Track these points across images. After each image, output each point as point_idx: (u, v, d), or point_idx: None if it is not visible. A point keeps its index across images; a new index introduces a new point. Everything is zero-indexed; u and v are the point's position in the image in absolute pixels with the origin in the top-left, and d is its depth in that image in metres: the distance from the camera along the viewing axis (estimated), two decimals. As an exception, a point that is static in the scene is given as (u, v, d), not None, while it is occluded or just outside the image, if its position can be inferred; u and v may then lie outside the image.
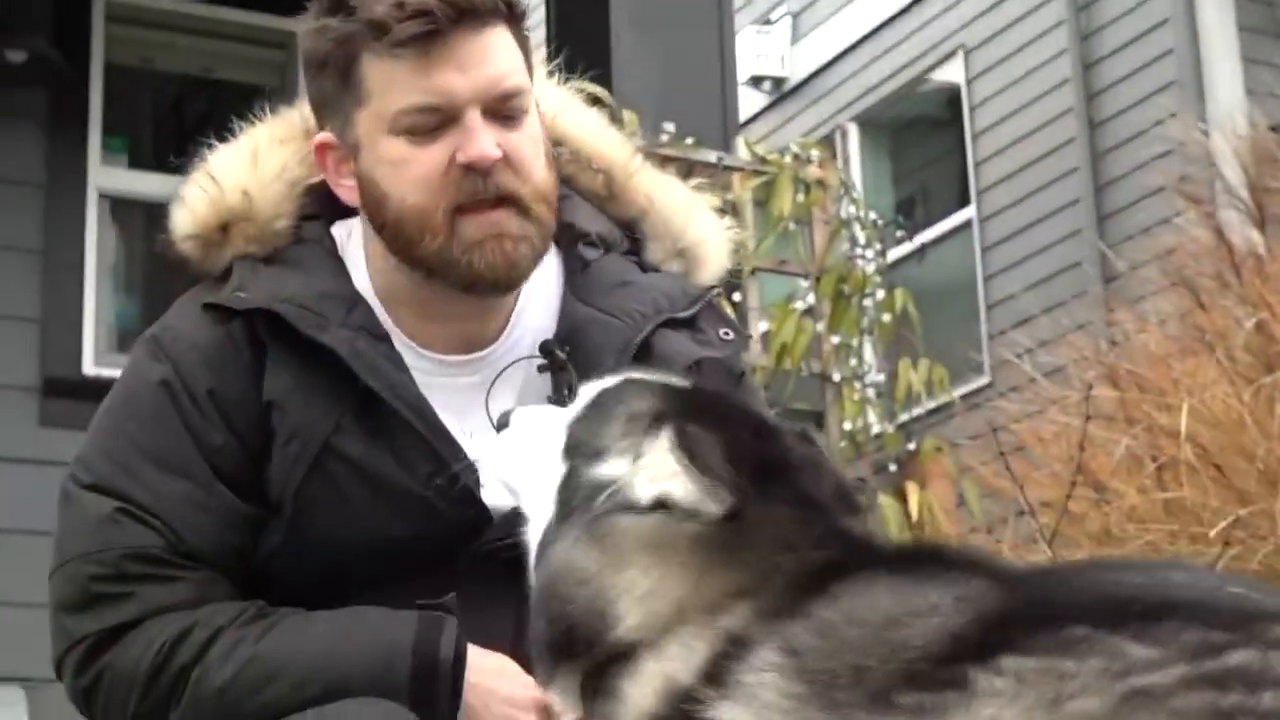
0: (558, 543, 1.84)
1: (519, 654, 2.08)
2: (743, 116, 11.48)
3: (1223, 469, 4.72)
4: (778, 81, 11.67)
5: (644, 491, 1.78)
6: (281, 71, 7.76)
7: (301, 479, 2.20)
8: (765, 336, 5.37)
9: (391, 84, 2.20)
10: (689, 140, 5.37)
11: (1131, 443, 5.11)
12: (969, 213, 10.23)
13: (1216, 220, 5.49)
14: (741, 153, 5.49)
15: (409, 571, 2.17)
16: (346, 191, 2.30)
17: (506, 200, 2.20)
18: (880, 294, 5.50)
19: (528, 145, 2.23)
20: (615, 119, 5.26)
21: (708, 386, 2.24)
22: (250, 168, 2.35)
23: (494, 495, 2.18)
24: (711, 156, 5.39)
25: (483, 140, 2.16)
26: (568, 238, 2.40)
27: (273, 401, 2.22)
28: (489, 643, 2.12)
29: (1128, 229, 8.60)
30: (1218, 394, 4.82)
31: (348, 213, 2.36)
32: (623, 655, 1.76)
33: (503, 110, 2.20)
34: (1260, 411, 4.76)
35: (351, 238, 2.37)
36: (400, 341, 2.29)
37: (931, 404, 5.89)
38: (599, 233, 2.43)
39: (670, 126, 5.36)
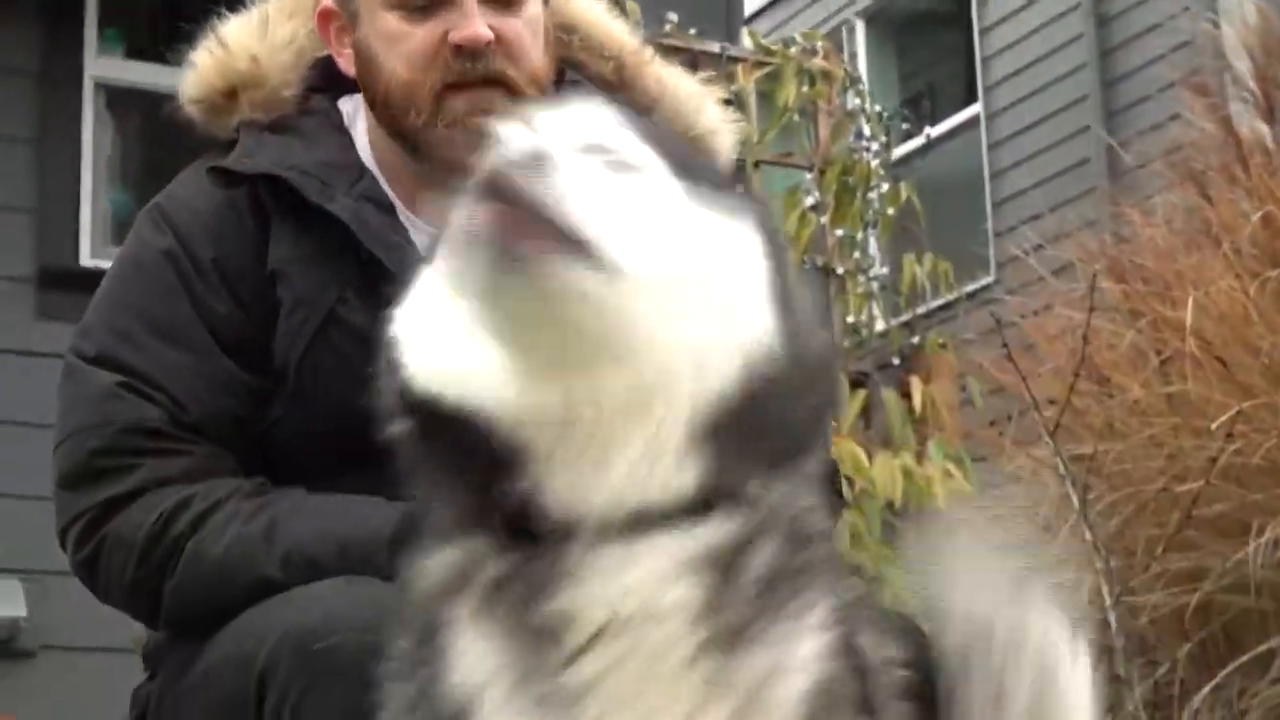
0: None
1: None
2: (748, 11, 11.52)
3: (1227, 363, 4.72)
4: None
5: None
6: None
7: (305, 348, 2.22)
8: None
9: None
10: (692, 31, 5.37)
11: (1136, 337, 5.10)
12: (976, 109, 10.23)
13: (1225, 113, 5.48)
14: (746, 44, 5.50)
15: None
16: (345, 61, 2.33)
17: (495, 82, 2.23)
18: (884, 187, 5.50)
19: (523, 29, 2.25)
20: (618, 6, 5.30)
21: None
22: (260, 35, 2.36)
23: None
24: (715, 47, 5.40)
25: (475, 22, 2.19)
26: None
27: (277, 270, 2.24)
28: None
29: (1136, 124, 8.55)
30: (1223, 288, 4.82)
31: (355, 89, 2.36)
32: None
33: None
34: (1265, 305, 4.76)
35: (359, 112, 2.38)
36: (403, 215, 2.31)
37: (937, 301, 5.89)
38: None
39: (673, 17, 5.36)
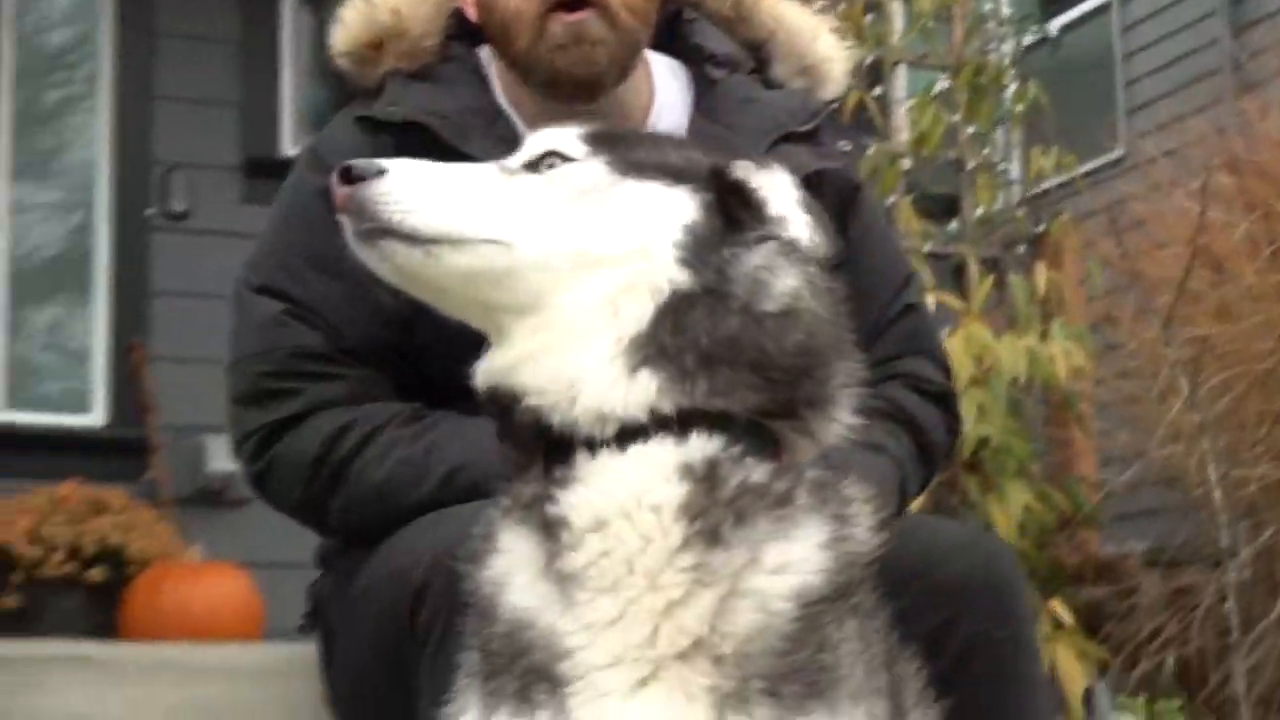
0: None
1: None
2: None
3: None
4: None
5: (800, 232, 1.74)
6: None
7: None
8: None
9: None
10: (834, -59, 5.42)
11: (1250, 227, 5.17)
12: None
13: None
14: (885, -50, 5.53)
15: None
16: (470, 6, 2.34)
17: (593, 5, 2.20)
18: (1013, 86, 5.54)
19: None
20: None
21: (827, 201, 2.16)
22: None
23: None
24: (856, -44, 5.42)
25: None
26: (696, 59, 2.41)
27: None
28: None
29: (1267, 8, 8.46)
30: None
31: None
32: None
33: None
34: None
35: (494, 57, 2.36)
36: None
37: (1060, 178, 5.85)
38: (726, 54, 2.42)
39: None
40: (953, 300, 5.19)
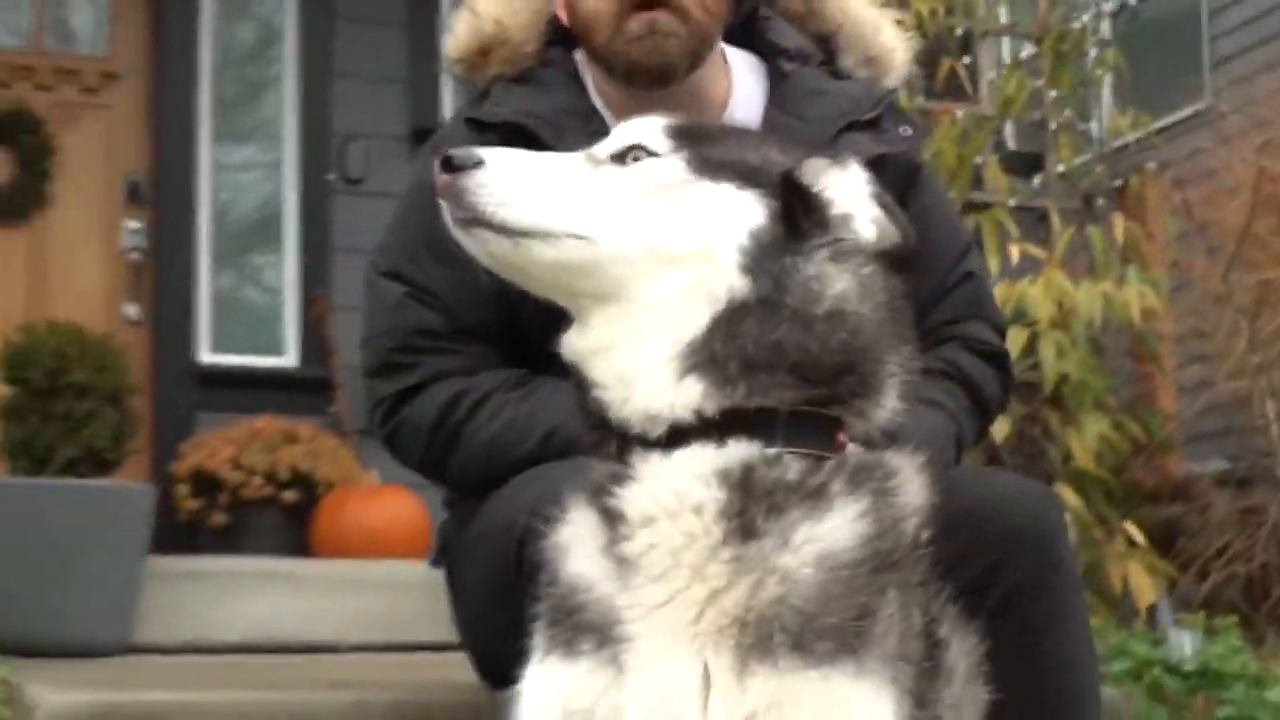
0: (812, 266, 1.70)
1: None
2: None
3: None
4: None
5: (865, 229, 1.72)
6: None
7: None
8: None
9: None
10: (929, -77, 5.26)
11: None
12: None
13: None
14: (977, -68, 5.37)
15: None
16: (561, 10, 2.33)
17: (665, 4, 2.19)
18: (1094, 53, 5.38)
19: None
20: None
21: (890, 182, 2.15)
22: (505, 2, 2.38)
23: None
24: (950, -66, 5.30)
25: None
26: (771, 53, 2.40)
27: None
28: None
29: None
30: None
31: None
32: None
33: None
34: None
35: (587, 60, 2.37)
36: None
37: (1139, 134, 5.74)
38: (797, 48, 2.40)
39: (913, -87, 5.25)
40: (1036, 250, 5.08)
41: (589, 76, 2.36)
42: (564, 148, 2.11)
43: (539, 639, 1.71)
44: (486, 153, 1.66)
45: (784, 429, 1.61)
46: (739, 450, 1.60)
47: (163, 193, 6.80)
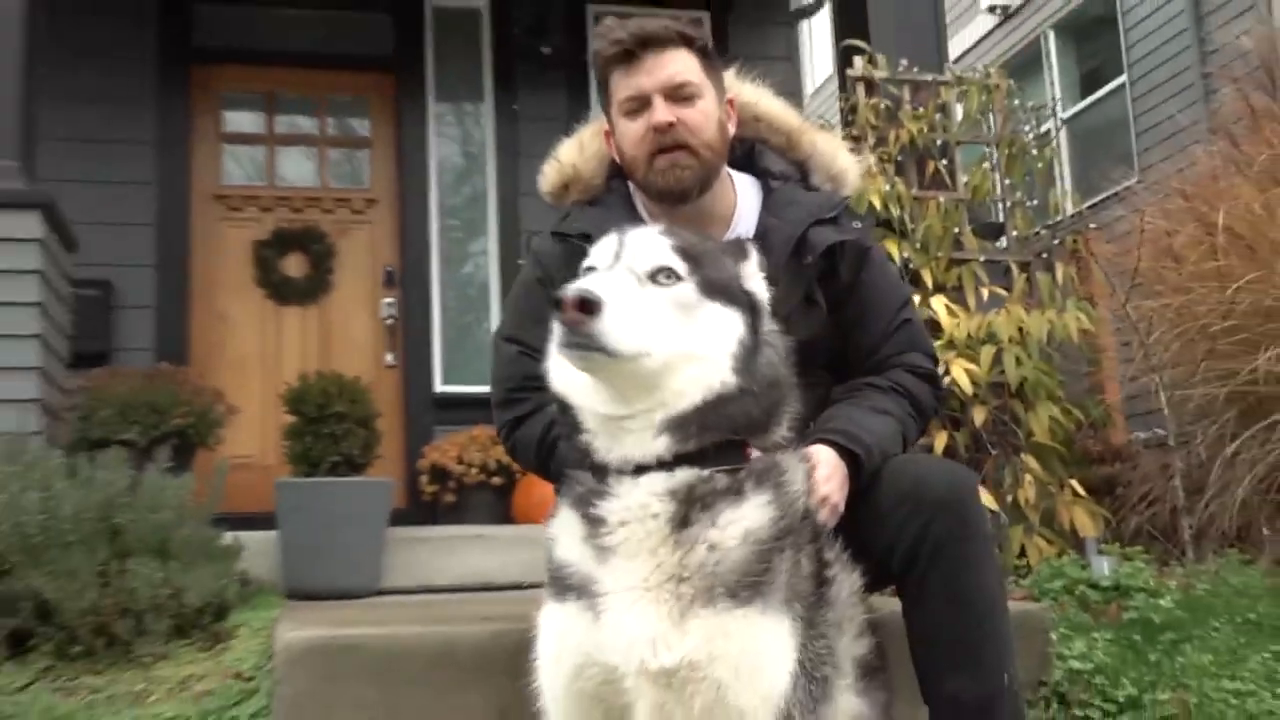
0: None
1: None
2: (981, 32, 11.00)
3: (1251, 247, 4.57)
4: (1005, 7, 11.03)
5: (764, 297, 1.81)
6: None
7: None
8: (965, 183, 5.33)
9: (618, 88, 2.24)
10: (915, 69, 5.36)
11: (1192, 231, 4.95)
12: (1122, 79, 9.54)
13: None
14: (948, 74, 5.43)
15: None
16: (615, 153, 2.32)
17: (680, 146, 2.19)
18: (1035, 151, 5.38)
19: (697, 114, 2.20)
20: (873, 61, 5.36)
21: (847, 260, 2.29)
22: (577, 150, 2.41)
23: None
24: (929, 77, 5.36)
25: (660, 113, 2.18)
26: (763, 175, 2.38)
27: None
28: None
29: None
30: (1243, 201, 4.63)
31: None
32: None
33: (678, 95, 2.19)
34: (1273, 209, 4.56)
35: (636, 191, 2.34)
36: None
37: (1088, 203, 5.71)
38: (781, 170, 2.39)
39: (904, 61, 5.37)
40: (1001, 290, 5.06)
41: (638, 198, 2.34)
42: None
43: (545, 592, 1.80)
44: (604, 295, 1.62)
45: (712, 456, 1.71)
46: (684, 475, 1.69)
47: (407, 277, 6.96)
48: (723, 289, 1.74)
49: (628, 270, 1.71)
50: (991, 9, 10.95)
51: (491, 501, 6.02)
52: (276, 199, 6.99)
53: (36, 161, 4.64)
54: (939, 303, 4.99)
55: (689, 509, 1.70)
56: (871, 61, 5.33)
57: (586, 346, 1.62)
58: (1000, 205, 5.33)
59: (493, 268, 7.03)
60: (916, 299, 4.94)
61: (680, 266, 1.71)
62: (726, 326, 1.73)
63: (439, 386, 6.80)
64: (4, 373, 4.03)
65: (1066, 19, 10.37)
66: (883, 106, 5.24)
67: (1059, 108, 8.36)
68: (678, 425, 1.69)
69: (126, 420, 4.23)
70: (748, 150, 2.42)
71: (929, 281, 5.07)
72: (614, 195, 2.35)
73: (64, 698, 2.57)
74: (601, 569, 1.70)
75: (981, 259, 5.15)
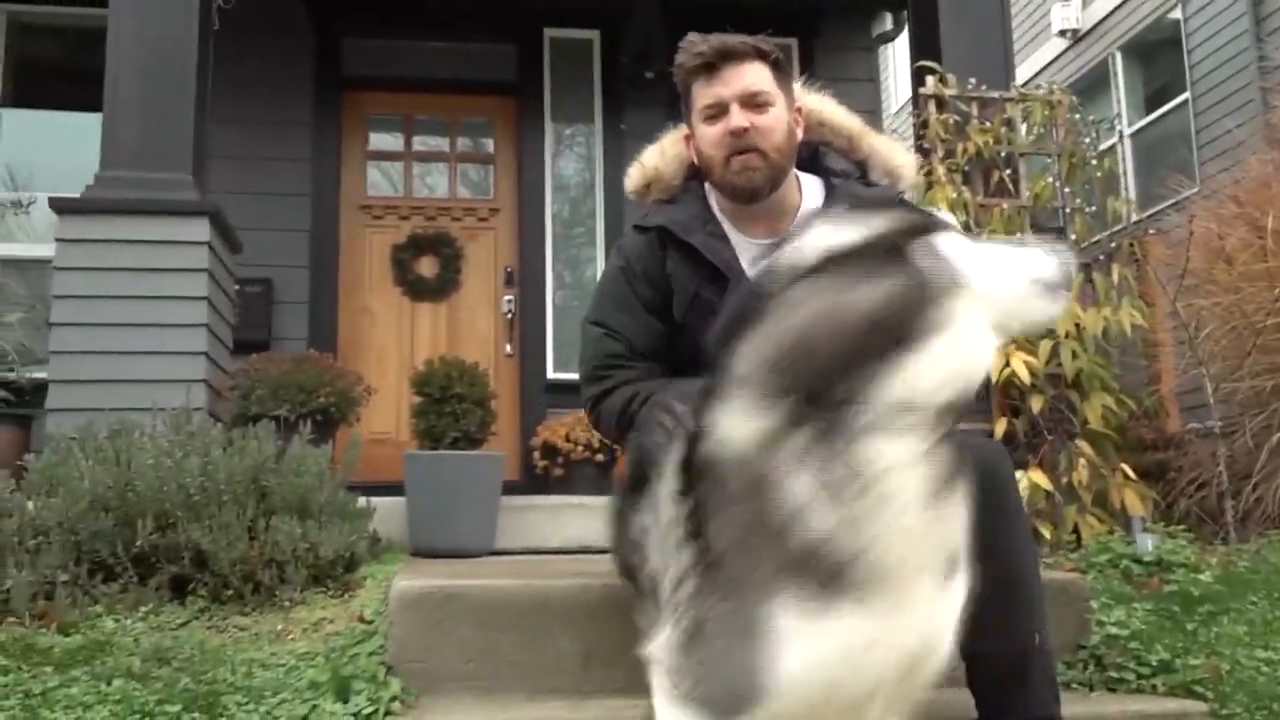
0: None
1: None
2: (1053, 54, 10.69)
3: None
4: (1075, 31, 10.68)
5: None
6: None
7: (684, 310, 2.23)
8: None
9: (699, 96, 2.24)
10: (984, 86, 5.26)
11: (1244, 234, 4.76)
12: (1185, 95, 9.20)
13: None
14: (1013, 91, 5.31)
15: None
16: (694, 155, 2.32)
17: (753, 150, 2.20)
18: (1094, 162, 5.22)
19: (769, 120, 2.21)
20: (944, 80, 5.26)
21: None
22: (659, 154, 2.41)
23: None
24: (995, 94, 5.26)
25: (736, 119, 2.19)
26: (826, 174, 2.36)
27: (670, 273, 2.24)
28: None
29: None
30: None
31: None
32: None
33: (753, 103, 2.20)
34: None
35: (711, 192, 2.34)
36: (736, 236, 2.26)
37: (1135, 220, 5.53)
38: (842, 169, 2.38)
39: (973, 80, 5.27)
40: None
41: (712, 196, 2.33)
42: (692, 240, 2.22)
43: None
44: None
45: None
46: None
47: (525, 277, 7.04)
48: None
49: None
50: (1062, 32, 10.64)
51: (594, 475, 6.05)
52: (413, 208, 7.13)
53: (209, 176, 4.83)
54: (1001, 301, 4.90)
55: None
56: (942, 80, 5.24)
57: None
58: (1061, 212, 5.19)
59: (598, 268, 7.05)
60: (980, 297, 4.86)
61: None
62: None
63: (551, 374, 6.85)
64: (176, 357, 4.21)
65: (1133, 41, 10.02)
66: (952, 121, 5.15)
67: (1124, 123, 8.11)
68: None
69: (278, 398, 4.38)
70: (812, 152, 2.41)
71: (992, 282, 4.98)
72: (690, 195, 2.35)
73: (215, 634, 2.69)
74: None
75: (1042, 261, 5.07)
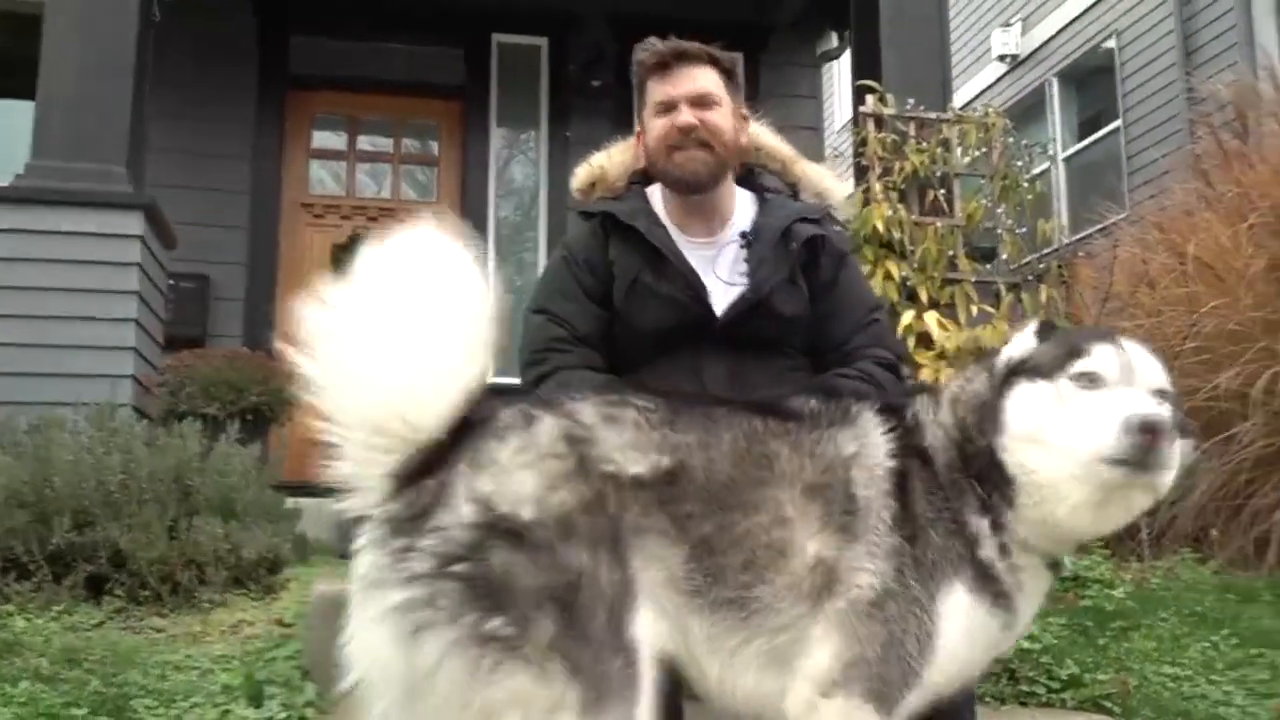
0: None
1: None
2: (991, 79, 10.86)
3: (1219, 275, 4.49)
4: (1015, 56, 10.91)
5: None
6: None
7: (624, 294, 2.23)
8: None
9: (652, 92, 2.30)
10: (921, 107, 5.32)
11: (1164, 260, 4.87)
12: (1117, 123, 9.37)
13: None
14: (949, 113, 5.38)
15: (672, 347, 2.19)
16: (643, 149, 2.37)
17: (699, 143, 2.26)
18: (1026, 184, 5.31)
19: (715, 118, 2.27)
20: (883, 100, 5.32)
21: (829, 258, 2.30)
22: (606, 157, 2.47)
23: (716, 302, 2.19)
24: (932, 115, 5.31)
25: (684, 116, 2.26)
26: (760, 190, 2.42)
27: (612, 259, 2.26)
28: (711, 390, 2.09)
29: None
30: (1211, 235, 4.54)
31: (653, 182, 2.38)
32: None
33: (701, 102, 2.26)
34: (1241, 244, 4.46)
35: (655, 190, 2.37)
36: (674, 230, 2.31)
37: (1066, 242, 5.62)
38: (775, 186, 2.45)
39: (911, 100, 5.33)
40: (989, 308, 4.96)
41: (654, 198, 2.37)
42: (636, 225, 2.25)
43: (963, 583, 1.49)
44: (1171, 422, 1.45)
45: None
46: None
47: None
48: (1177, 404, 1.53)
49: (1148, 391, 1.49)
50: (1002, 57, 10.82)
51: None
52: (355, 208, 7.07)
53: (146, 170, 4.73)
54: (932, 317, 4.94)
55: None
56: (882, 100, 5.29)
57: (1153, 466, 1.42)
58: (992, 233, 5.26)
59: (540, 271, 7.00)
60: (912, 313, 4.90)
61: (1169, 387, 1.53)
62: (1185, 447, 1.52)
63: (489, 377, 6.81)
64: (104, 351, 4.11)
65: (1069, 67, 10.22)
66: (890, 140, 5.20)
67: (1059, 147, 8.25)
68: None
69: (209, 396, 4.29)
70: (748, 171, 2.46)
71: (925, 298, 5.02)
72: (632, 194, 2.39)
73: (131, 635, 2.62)
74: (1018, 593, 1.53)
75: (973, 279, 5.07)
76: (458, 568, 1.22)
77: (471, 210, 7.05)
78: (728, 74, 2.32)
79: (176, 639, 2.58)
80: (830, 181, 2.51)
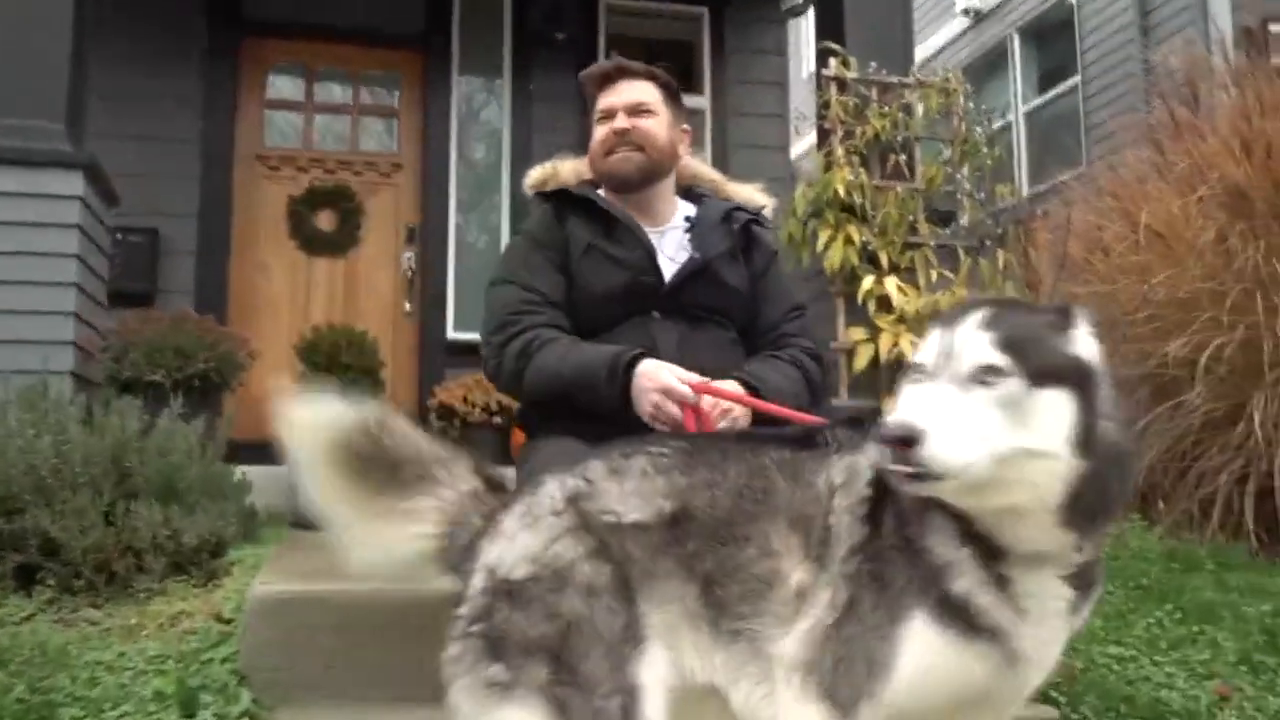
0: None
1: (681, 363, 2.15)
2: (954, 33, 10.67)
3: (1168, 242, 4.40)
4: (978, 11, 10.69)
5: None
6: None
7: (579, 259, 2.35)
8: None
9: (597, 102, 2.49)
10: (883, 71, 5.18)
11: (1118, 229, 4.78)
12: (1075, 79, 9.25)
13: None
14: (911, 78, 5.24)
15: (625, 314, 2.31)
16: (588, 164, 2.53)
17: (633, 146, 2.43)
18: (986, 150, 5.21)
19: (649, 124, 2.45)
20: (845, 63, 5.16)
21: (761, 253, 2.50)
22: (560, 161, 2.58)
23: (666, 268, 2.35)
24: (894, 79, 5.18)
25: (620, 122, 2.43)
26: (698, 198, 2.60)
27: (569, 235, 2.38)
28: (663, 356, 2.19)
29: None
30: (1163, 204, 4.45)
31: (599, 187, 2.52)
32: None
33: (637, 110, 2.44)
34: (1191, 214, 4.38)
35: (602, 190, 2.50)
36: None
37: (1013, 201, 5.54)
38: (711, 194, 2.64)
39: (874, 63, 5.18)
40: (949, 273, 4.94)
41: (600, 198, 2.48)
42: (591, 197, 2.40)
43: (928, 617, 1.38)
44: (924, 423, 1.29)
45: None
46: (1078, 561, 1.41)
47: (427, 235, 6.80)
48: (1051, 373, 1.32)
49: (950, 378, 1.33)
50: (965, 11, 10.62)
51: (493, 440, 5.86)
52: (312, 160, 6.82)
53: (89, 119, 4.48)
54: (891, 283, 4.86)
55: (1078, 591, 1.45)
56: (844, 63, 5.13)
57: (919, 476, 1.29)
58: (952, 197, 5.16)
59: (504, 228, 6.87)
60: (873, 278, 4.82)
61: (1003, 361, 1.31)
62: (1060, 412, 1.32)
63: (451, 333, 6.66)
64: (43, 316, 3.91)
65: (1031, 23, 10.05)
66: (852, 104, 5.06)
67: (1020, 101, 8.10)
68: (1070, 515, 1.36)
69: (153, 363, 4.11)
70: (687, 189, 2.64)
71: (885, 263, 4.93)
72: (581, 188, 2.50)
73: (63, 629, 2.48)
74: (1016, 626, 1.39)
75: (933, 244, 5.02)
76: (475, 628, 1.42)
77: (432, 163, 6.86)
78: (668, 89, 2.51)
79: (110, 633, 2.45)
80: (761, 198, 2.64)
